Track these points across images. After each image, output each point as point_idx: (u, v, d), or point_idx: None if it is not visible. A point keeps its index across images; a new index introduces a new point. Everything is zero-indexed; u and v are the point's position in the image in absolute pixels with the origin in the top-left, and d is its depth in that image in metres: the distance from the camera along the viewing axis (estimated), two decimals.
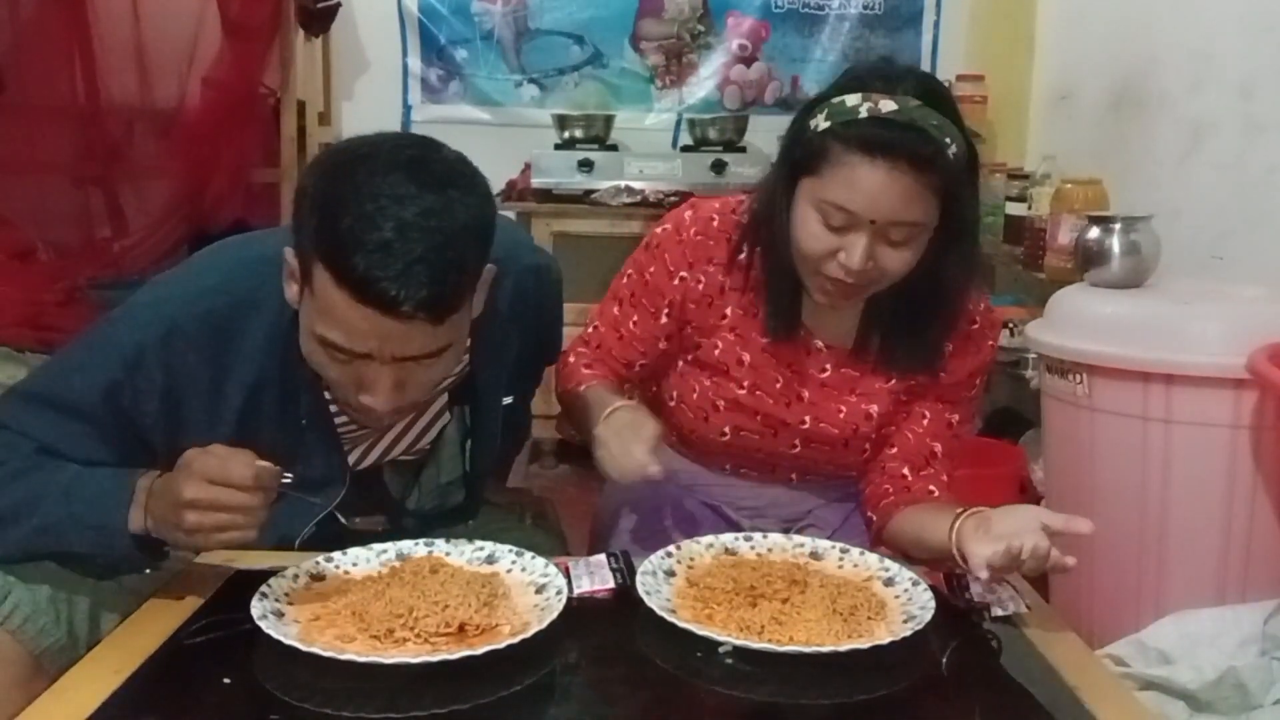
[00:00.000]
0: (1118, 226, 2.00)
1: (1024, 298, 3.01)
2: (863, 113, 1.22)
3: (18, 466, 1.14)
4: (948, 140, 1.22)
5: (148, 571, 1.19)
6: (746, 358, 1.41)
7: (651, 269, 1.42)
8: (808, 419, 1.42)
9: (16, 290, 2.52)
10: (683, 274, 1.40)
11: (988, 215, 3.17)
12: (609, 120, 3.47)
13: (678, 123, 3.70)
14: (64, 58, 3.02)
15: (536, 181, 3.30)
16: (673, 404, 1.47)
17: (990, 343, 1.44)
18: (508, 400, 1.39)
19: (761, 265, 1.37)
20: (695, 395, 1.44)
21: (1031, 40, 3.43)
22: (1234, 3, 2.36)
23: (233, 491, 1.05)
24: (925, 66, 3.65)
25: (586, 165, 3.29)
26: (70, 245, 2.92)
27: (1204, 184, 2.43)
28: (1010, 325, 2.90)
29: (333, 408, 1.25)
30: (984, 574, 1.15)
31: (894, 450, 1.44)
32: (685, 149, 3.54)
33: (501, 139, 3.48)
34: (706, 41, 3.70)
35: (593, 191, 3.26)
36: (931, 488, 1.40)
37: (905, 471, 1.42)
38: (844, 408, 1.42)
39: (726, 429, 1.43)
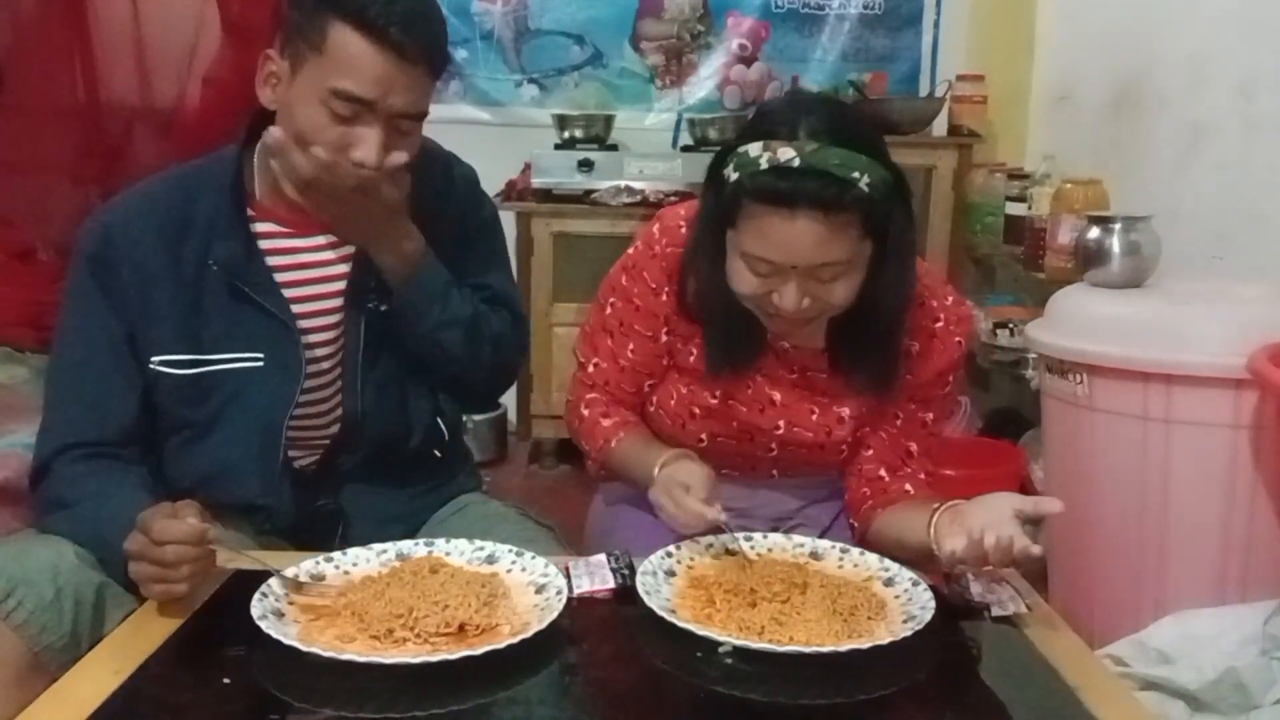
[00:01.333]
0: (1118, 226, 2.00)
1: (1024, 298, 3.02)
2: (763, 163, 1.19)
3: (80, 464, 1.29)
4: (855, 175, 1.17)
5: None
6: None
7: (636, 291, 1.41)
8: (781, 424, 1.42)
9: (16, 290, 2.52)
10: (666, 289, 1.39)
11: (988, 215, 3.18)
12: (609, 120, 3.48)
13: (678, 123, 3.70)
14: (64, 58, 3.02)
15: (536, 181, 3.30)
16: (653, 409, 1.48)
17: (958, 339, 1.41)
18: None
19: (698, 306, 1.36)
20: (673, 402, 1.45)
21: (1031, 40, 3.44)
22: (1234, 3, 2.36)
23: (163, 548, 1.10)
24: (925, 66, 3.66)
25: (586, 165, 3.29)
26: (70, 245, 2.92)
27: (1204, 184, 2.43)
28: (1010, 325, 2.90)
29: (282, 290, 1.34)
30: (953, 569, 1.17)
31: (870, 452, 1.44)
32: (685, 149, 3.54)
33: (501, 139, 3.48)
34: (706, 41, 3.70)
35: (593, 191, 3.26)
36: (908, 487, 1.40)
37: (882, 473, 1.42)
38: (816, 409, 1.42)
39: (703, 435, 1.44)
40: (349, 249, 1.38)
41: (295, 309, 1.35)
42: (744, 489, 1.51)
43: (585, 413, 1.48)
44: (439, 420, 1.50)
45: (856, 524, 1.43)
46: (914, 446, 1.43)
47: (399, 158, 1.28)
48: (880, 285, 1.28)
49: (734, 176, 1.22)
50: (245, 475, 1.36)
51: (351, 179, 1.27)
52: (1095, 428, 1.88)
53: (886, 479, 1.42)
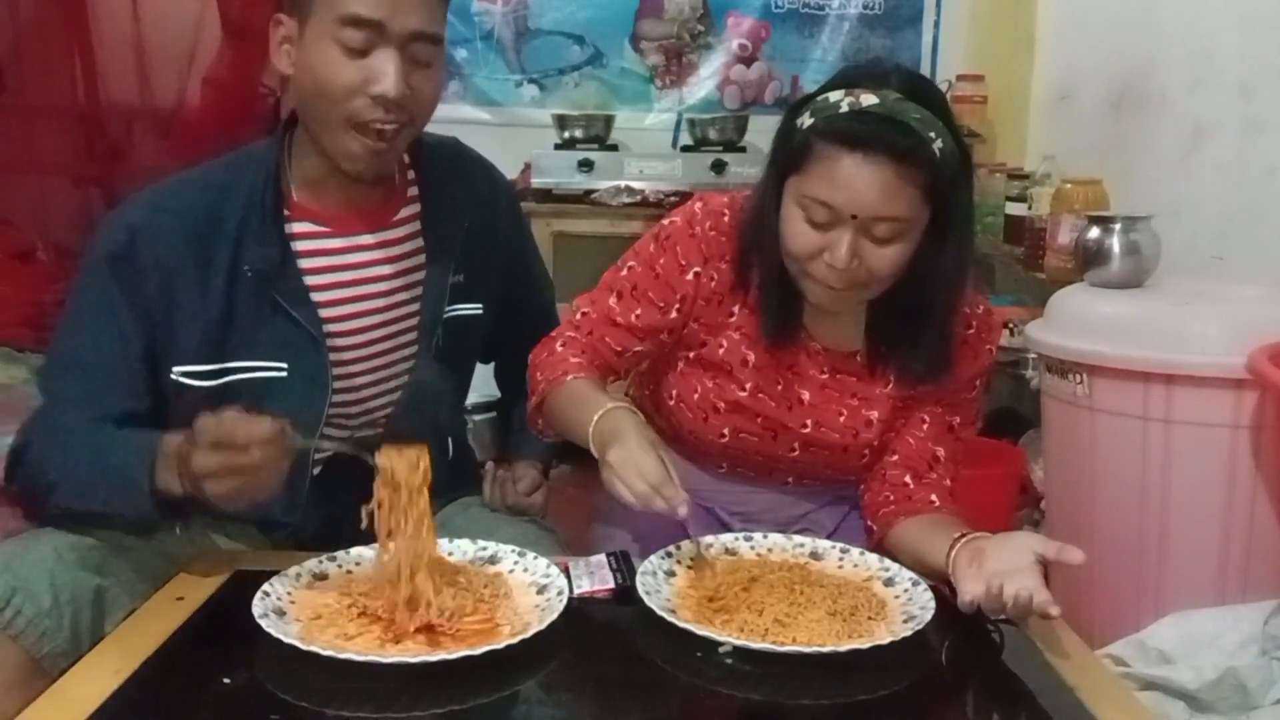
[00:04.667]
0: (1118, 226, 2.00)
1: (1024, 298, 3.01)
2: (844, 107, 1.22)
3: (58, 434, 1.23)
4: (931, 135, 1.20)
5: (177, 532, 1.24)
6: (751, 358, 1.39)
7: (661, 262, 1.39)
8: (809, 423, 1.41)
9: (16, 290, 2.53)
10: (696, 269, 1.37)
11: (987, 215, 3.17)
12: (609, 120, 3.47)
13: (678, 123, 3.69)
14: (64, 58, 3.03)
15: (536, 181, 3.29)
16: (672, 403, 1.46)
17: (989, 346, 1.43)
18: (461, 309, 1.42)
19: (759, 274, 1.35)
20: (696, 396, 1.42)
21: (1031, 40, 3.43)
22: (1234, 3, 2.36)
23: (240, 454, 1.08)
24: (925, 66, 3.65)
25: (586, 165, 3.28)
26: (70, 245, 2.92)
27: (1204, 184, 2.42)
28: (1010, 325, 2.90)
29: (313, 296, 1.31)
30: (970, 611, 1.15)
31: (895, 457, 1.42)
32: (685, 149, 3.53)
33: (501, 139, 3.46)
34: (706, 41, 3.70)
35: (593, 191, 3.26)
36: (933, 496, 1.38)
37: (907, 479, 1.40)
38: (845, 412, 1.41)
39: (726, 430, 1.42)
40: (395, 250, 1.36)
41: (327, 313, 1.32)
42: (752, 492, 1.50)
43: (558, 348, 1.40)
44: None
45: (875, 526, 1.41)
46: (941, 452, 1.42)
47: (424, 86, 1.26)
48: (938, 265, 1.28)
49: (809, 122, 1.24)
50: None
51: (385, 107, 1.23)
52: (1095, 428, 1.88)
53: (911, 485, 1.39)
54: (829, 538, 1.46)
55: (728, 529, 1.48)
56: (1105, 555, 1.89)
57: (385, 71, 1.22)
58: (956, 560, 1.20)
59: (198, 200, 1.28)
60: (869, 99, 1.21)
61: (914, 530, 1.33)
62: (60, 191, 3.07)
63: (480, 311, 1.45)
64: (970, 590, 1.14)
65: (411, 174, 1.41)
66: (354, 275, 1.35)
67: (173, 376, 1.26)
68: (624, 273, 1.42)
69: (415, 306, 1.40)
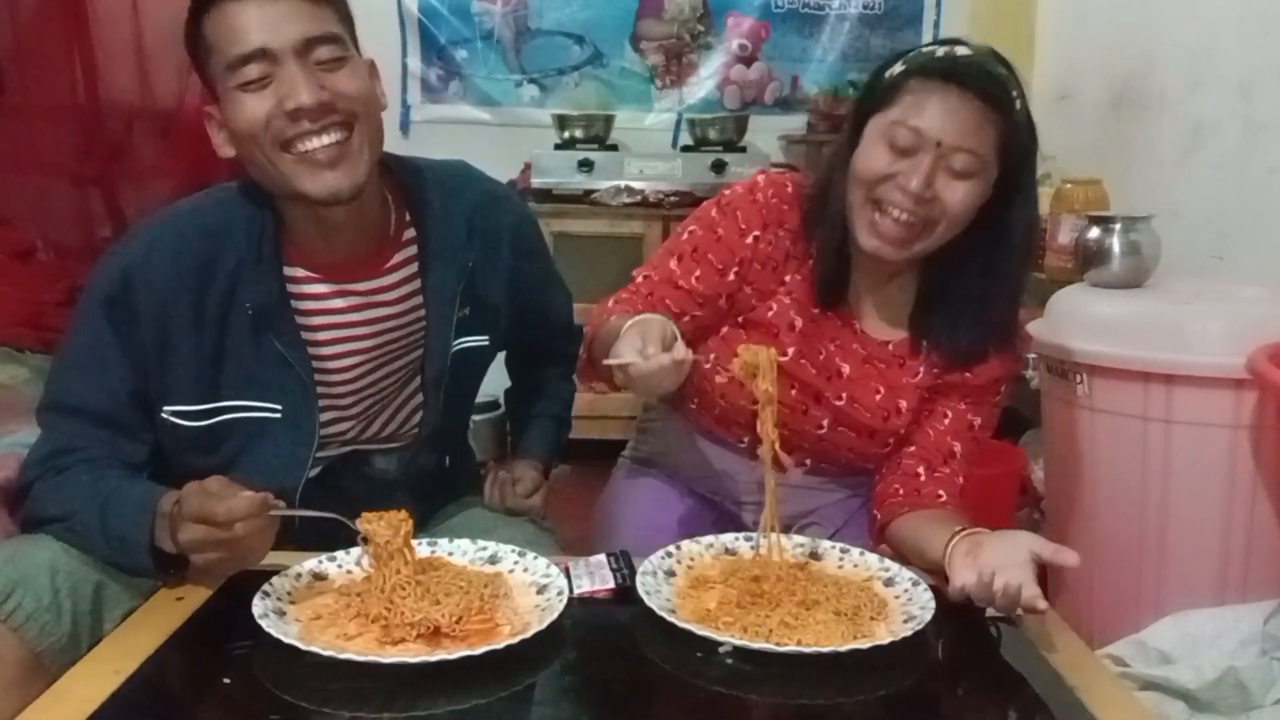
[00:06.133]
0: (1118, 226, 2.00)
1: (1024, 298, 3.01)
2: (939, 53, 1.31)
3: (63, 479, 1.23)
4: (1015, 92, 1.30)
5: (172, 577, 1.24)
6: (799, 323, 1.41)
7: (723, 226, 1.41)
8: (844, 396, 1.42)
9: (16, 290, 2.52)
10: (755, 233, 1.40)
11: None
12: (609, 120, 3.47)
13: (678, 123, 3.70)
14: (64, 58, 3.02)
15: (536, 181, 3.30)
16: (708, 366, 1.45)
17: (1015, 359, 1.46)
18: (467, 342, 1.41)
19: (820, 231, 1.39)
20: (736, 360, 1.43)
21: (1031, 40, 3.43)
22: (1234, 3, 2.36)
23: (221, 530, 1.10)
24: None
25: (586, 165, 3.29)
26: (70, 245, 2.92)
27: (1204, 184, 2.43)
28: None
29: (305, 335, 1.30)
30: (957, 599, 1.17)
31: (912, 448, 1.44)
32: (685, 149, 3.54)
33: (501, 139, 3.48)
34: (706, 41, 3.70)
35: (593, 191, 3.26)
36: (941, 492, 1.40)
37: (920, 471, 1.42)
38: (881, 391, 1.43)
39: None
40: (388, 296, 1.35)
41: (318, 351, 1.32)
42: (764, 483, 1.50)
43: (611, 304, 1.42)
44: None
45: (879, 515, 1.43)
46: (958, 448, 1.43)
47: (344, 84, 1.22)
48: (998, 236, 1.34)
49: (901, 69, 1.32)
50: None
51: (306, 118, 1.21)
52: (1095, 428, 1.88)
53: (923, 477, 1.42)
54: (835, 533, 1.48)
55: (739, 523, 1.48)
56: (1105, 555, 1.89)
57: (289, 85, 1.20)
58: (954, 551, 1.22)
59: (193, 242, 1.27)
60: (963, 50, 1.31)
61: (917, 523, 1.35)
62: (60, 191, 3.06)
63: (487, 343, 1.44)
64: (961, 577, 1.17)
65: (408, 216, 1.38)
66: (344, 319, 1.34)
67: (163, 416, 1.27)
68: (684, 237, 1.45)
69: (407, 343, 1.39)
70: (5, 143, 2.95)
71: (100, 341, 1.25)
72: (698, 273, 1.41)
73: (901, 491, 1.41)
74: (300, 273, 1.31)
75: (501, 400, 1.76)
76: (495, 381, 1.69)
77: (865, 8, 3.68)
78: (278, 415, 1.30)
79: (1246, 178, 2.29)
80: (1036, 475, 2.43)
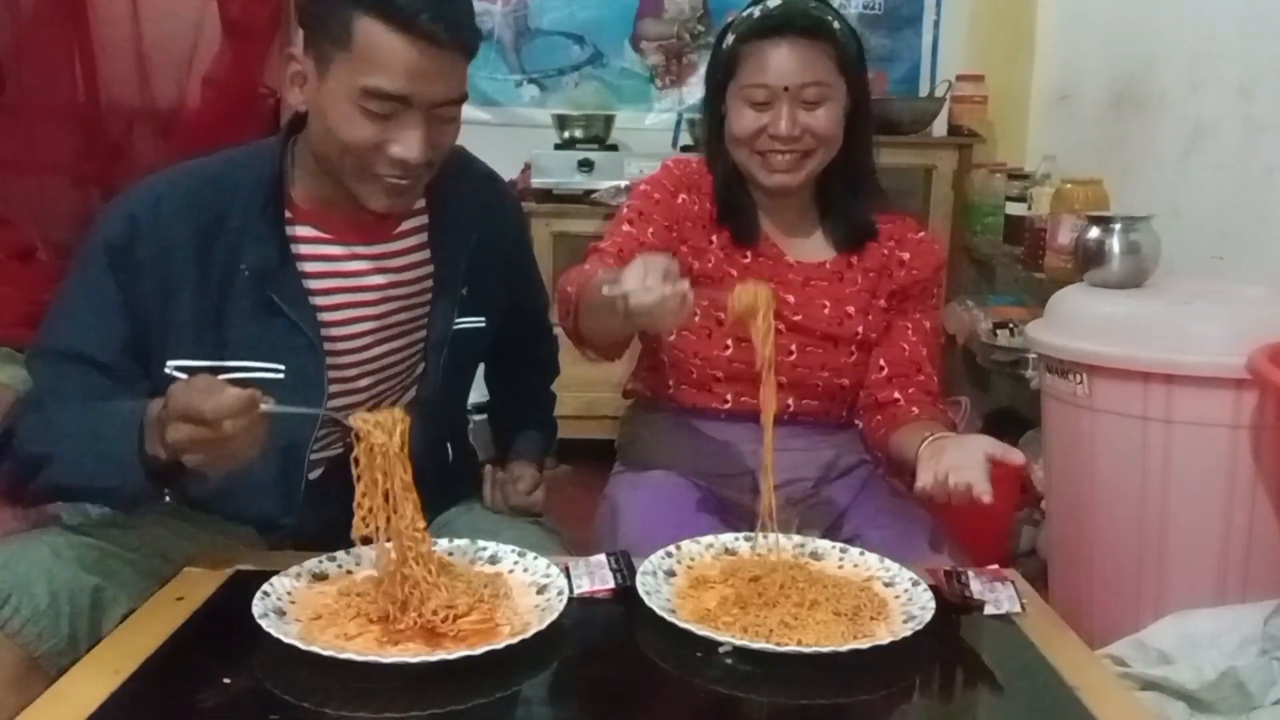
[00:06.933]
0: (1118, 226, 2.00)
1: (1024, 298, 3.01)
2: (755, 13, 1.50)
3: (49, 414, 1.21)
4: (829, 17, 1.49)
5: (167, 499, 1.24)
6: (734, 272, 1.55)
7: (656, 193, 1.57)
8: (799, 315, 1.55)
9: (16, 290, 2.52)
10: (682, 195, 1.57)
11: (987, 215, 3.18)
12: (609, 120, 3.47)
13: (678, 122, 3.69)
14: (64, 58, 3.02)
15: (536, 181, 3.29)
16: (672, 337, 1.55)
17: (938, 246, 1.68)
18: (466, 323, 1.42)
19: (718, 186, 1.57)
20: (697, 318, 1.52)
21: (1031, 40, 3.43)
22: (1234, 3, 2.36)
23: (211, 428, 1.06)
24: (925, 66, 3.66)
25: (586, 165, 3.29)
26: (70, 245, 2.92)
27: (1204, 184, 2.42)
28: (1010, 325, 2.90)
29: (312, 299, 1.29)
30: (921, 497, 1.32)
31: (884, 372, 1.57)
32: (685, 149, 3.53)
33: (501, 139, 3.46)
34: (706, 41, 3.70)
35: (593, 191, 3.26)
36: (914, 407, 1.53)
37: (895, 395, 1.56)
38: (827, 304, 1.57)
39: (729, 340, 1.53)
40: (395, 262, 1.36)
41: (326, 317, 1.31)
42: (756, 446, 1.50)
43: (585, 266, 1.47)
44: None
45: (877, 451, 1.57)
46: (924, 351, 1.59)
47: (447, 141, 1.26)
48: (855, 129, 1.54)
49: (731, 39, 1.52)
50: (265, 494, 1.33)
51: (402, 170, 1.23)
52: (1095, 428, 1.88)
53: (899, 399, 1.55)
54: (843, 514, 1.55)
55: (739, 518, 1.49)
56: (1105, 555, 1.89)
57: (409, 138, 1.21)
58: (920, 456, 1.36)
59: (200, 196, 1.26)
60: (774, 2, 1.49)
61: (897, 440, 1.49)
62: (60, 191, 3.06)
63: (484, 325, 1.45)
64: (922, 479, 1.30)
65: None
66: (352, 283, 1.34)
67: (166, 371, 1.25)
68: (625, 209, 1.58)
69: (414, 317, 1.40)
70: (5, 143, 2.95)
71: (100, 289, 1.23)
72: (650, 229, 1.54)
73: (882, 419, 1.55)
74: (309, 232, 1.31)
75: None
76: None
77: (865, 8, 3.68)
78: (280, 376, 1.28)
79: (1246, 178, 2.29)
80: (1036, 475, 2.43)
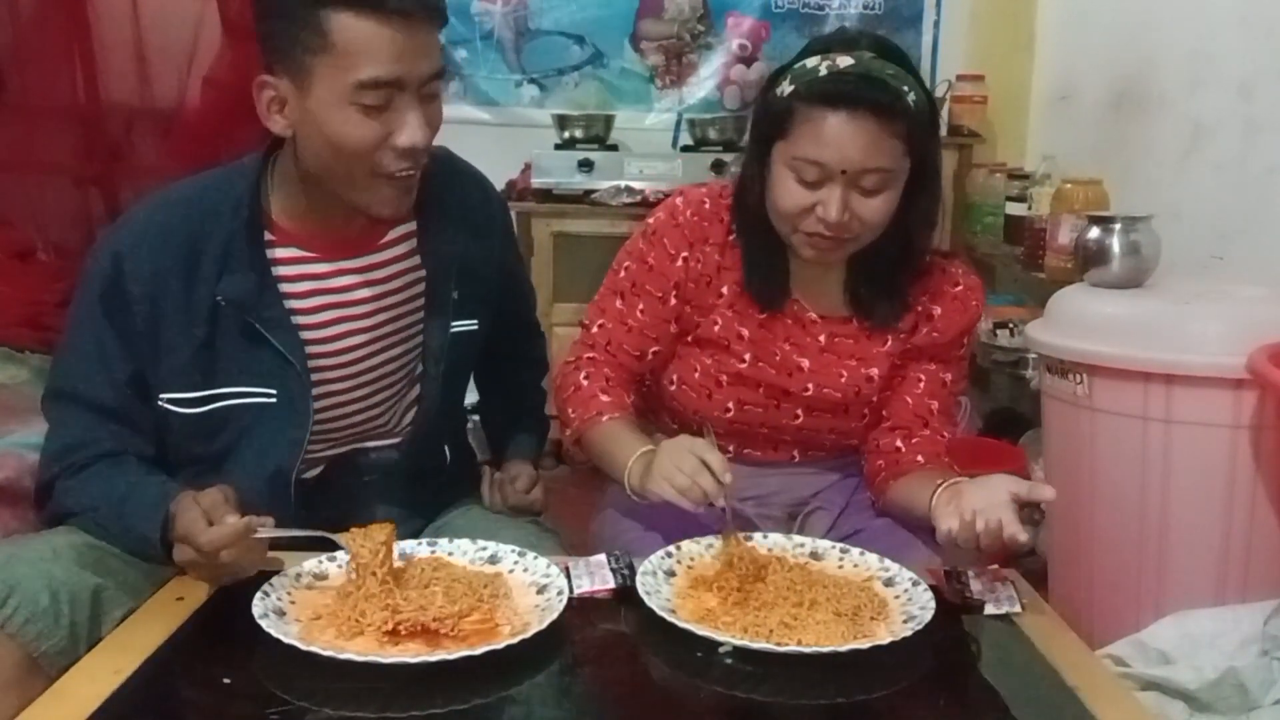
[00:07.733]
0: (1118, 226, 2.00)
1: (1024, 298, 3.01)
2: (822, 71, 1.30)
3: (83, 476, 1.26)
4: (905, 89, 1.29)
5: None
6: (745, 333, 1.44)
7: (652, 256, 1.45)
8: (810, 386, 1.44)
9: (16, 290, 2.52)
10: (684, 255, 1.43)
11: (987, 215, 3.18)
12: (609, 120, 3.47)
13: (678, 123, 3.69)
14: (64, 58, 3.02)
15: (536, 181, 3.29)
16: (673, 388, 1.48)
17: (975, 302, 1.49)
18: (460, 325, 1.42)
19: (746, 239, 1.42)
20: (697, 374, 1.46)
21: (1031, 40, 3.43)
22: (1234, 3, 2.36)
23: (216, 555, 1.12)
24: (925, 66, 3.65)
25: (586, 165, 3.28)
26: (70, 245, 2.92)
27: (1204, 184, 2.43)
28: (1010, 325, 2.90)
29: (294, 318, 1.30)
30: (947, 544, 1.23)
31: (889, 423, 1.48)
32: (685, 149, 3.54)
33: (501, 139, 3.47)
34: (706, 41, 3.70)
35: (593, 191, 3.26)
36: (919, 456, 1.43)
37: (899, 444, 1.46)
38: (845, 372, 1.45)
39: (730, 404, 1.45)
40: (382, 272, 1.36)
41: (311, 336, 1.32)
42: (761, 474, 1.51)
43: (584, 381, 1.46)
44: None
45: (873, 496, 1.48)
46: (935, 405, 1.47)
47: (438, 119, 1.26)
48: (913, 210, 1.37)
49: (789, 89, 1.32)
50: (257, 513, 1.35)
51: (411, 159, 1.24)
52: (1095, 428, 1.88)
53: (902, 449, 1.45)
54: (840, 515, 1.50)
55: (741, 518, 1.48)
56: (1105, 555, 1.89)
57: (410, 124, 1.21)
58: (937, 502, 1.28)
59: (181, 225, 1.27)
60: (845, 61, 1.29)
61: (902, 488, 1.40)
62: (60, 191, 3.06)
63: (476, 327, 1.45)
64: (946, 523, 1.22)
65: None
66: (340, 298, 1.34)
67: (160, 403, 1.28)
68: (621, 274, 1.48)
69: (406, 325, 1.40)
70: (5, 143, 2.95)
71: (98, 330, 1.26)
72: (641, 306, 1.45)
73: (884, 465, 1.46)
74: (292, 253, 1.31)
75: None
76: None
77: (865, 8, 3.68)
78: (273, 400, 1.30)
79: (1246, 178, 2.29)
80: (1036, 475, 2.42)
